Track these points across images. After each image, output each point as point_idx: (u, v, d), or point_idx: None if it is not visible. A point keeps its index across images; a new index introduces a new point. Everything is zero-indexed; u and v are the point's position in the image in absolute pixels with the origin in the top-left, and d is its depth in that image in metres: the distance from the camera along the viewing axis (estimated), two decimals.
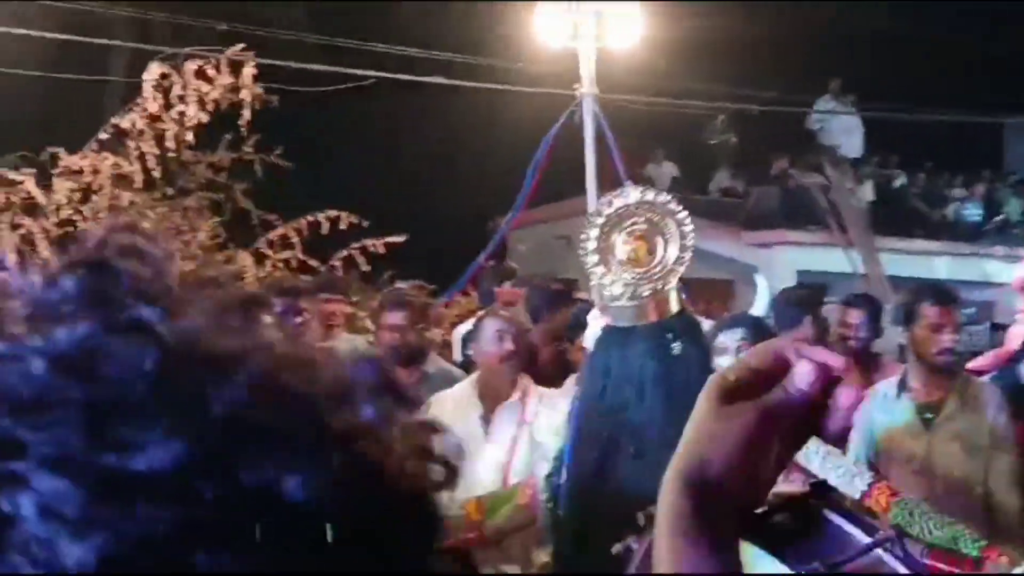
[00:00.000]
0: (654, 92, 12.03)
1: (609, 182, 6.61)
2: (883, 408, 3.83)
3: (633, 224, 2.37)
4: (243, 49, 7.95)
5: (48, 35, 8.88)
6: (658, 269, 2.35)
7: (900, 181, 15.73)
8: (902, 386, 3.81)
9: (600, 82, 7.55)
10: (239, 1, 11.06)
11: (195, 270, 6.95)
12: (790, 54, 15.10)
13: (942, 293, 3.83)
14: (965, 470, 3.59)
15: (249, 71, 7.88)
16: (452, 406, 4.04)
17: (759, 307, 4.49)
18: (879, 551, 0.92)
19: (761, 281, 4.65)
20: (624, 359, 2.43)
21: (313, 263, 8.39)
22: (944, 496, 3.42)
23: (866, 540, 0.93)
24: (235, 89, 7.87)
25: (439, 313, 8.15)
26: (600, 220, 2.39)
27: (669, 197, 2.43)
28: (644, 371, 2.41)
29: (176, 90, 7.76)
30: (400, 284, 7.34)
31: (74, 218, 7.61)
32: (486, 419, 4.04)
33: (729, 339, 3.73)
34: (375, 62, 9.69)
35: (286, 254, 8.51)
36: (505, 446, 4.00)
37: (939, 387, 3.75)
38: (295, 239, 8.50)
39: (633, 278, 2.35)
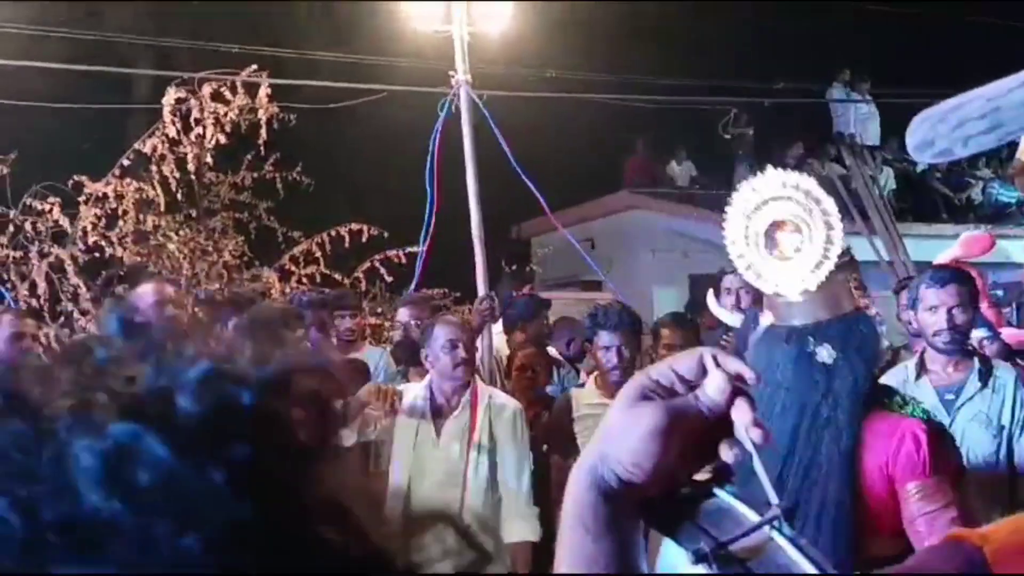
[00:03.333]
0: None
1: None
2: (904, 391, 3.83)
3: (776, 212, 2.12)
4: (257, 69, 8.05)
5: (68, 67, 9.02)
6: (806, 262, 2.10)
7: (921, 166, 15.61)
8: (920, 368, 3.82)
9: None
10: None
11: (221, 289, 7.06)
12: (802, 41, 15.05)
13: (937, 275, 3.84)
14: (988, 449, 3.60)
15: (264, 91, 7.98)
16: (408, 412, 4.18)
17: None
18: (766, 529, 0.94)
19: None
20: (770, 364, 2.17)
21: (337, 276, 8.48)
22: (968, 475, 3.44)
23: (755, 519, 0.95)
24: (252, 109, 7.99)
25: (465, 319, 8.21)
26: (746, 207, 2.14)
27: (812, 181, 2.19)
28: (783, 378, 2.16)
29: (194, 113, 7.88)
30: (425, 292, 7.41)
31: (101, 243, 7.74)
32: (437, 431, 4.17)
33: None
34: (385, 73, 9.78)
35: (310, 269, 8.60)
36: (455, 459, 4.13)
37: (957, 368, 3.78)
38: (318, 254, 8.60)
39: (783, 271, 2.12)
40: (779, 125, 14.96)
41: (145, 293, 4.74)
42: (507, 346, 5.85)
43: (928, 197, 15.12)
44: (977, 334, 4.13)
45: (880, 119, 15.45)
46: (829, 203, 2.11)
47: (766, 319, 2.29)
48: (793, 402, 2.13)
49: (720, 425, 0.89)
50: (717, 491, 1.01)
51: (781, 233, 2.09)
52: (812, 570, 0.95)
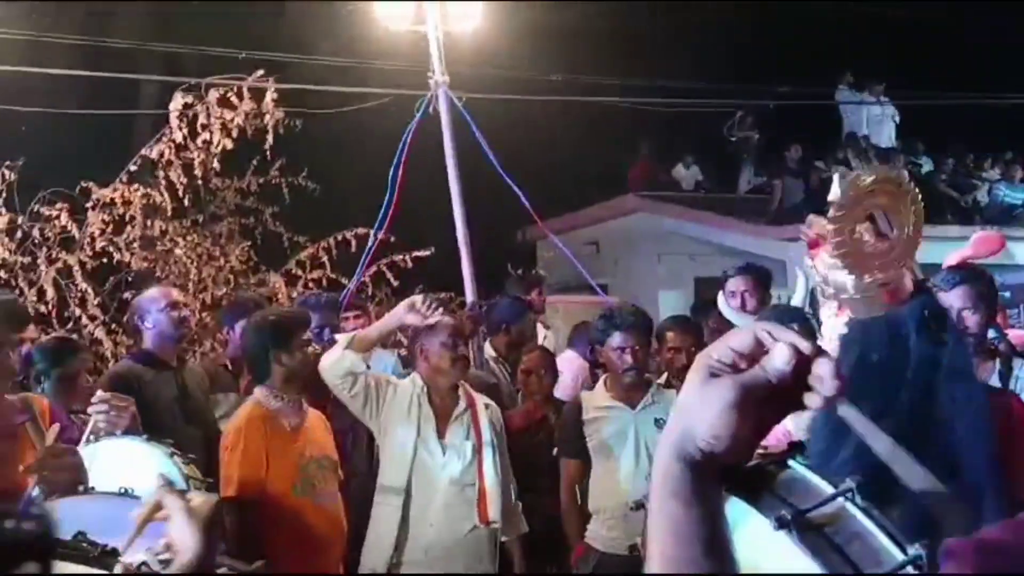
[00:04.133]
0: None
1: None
2: None
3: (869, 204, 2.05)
4: (263, 74, 8.08)
5: (75, 73, 9.06)
6: (890, 253, 2.07)
7: (927, 167, 15.59)
8: None
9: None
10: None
11: (228, 294, 7.08)
12: (811, 44, 15.05)
13: (945, 278, 3.90)
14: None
15: (270, 96, 8.00)
16: (406, 406, 4.21)
17: (798, 298, 4.51)
18: (840, 500, 1.04)
19: (800, 275, 4.68)
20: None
21: (344, 281, 8.49)
22: None
23: (830, 490, 1.04)
24: (258, 115, 8.01)
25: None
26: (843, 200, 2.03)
27: (904, 171, 2.07)
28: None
29: (200, 119, 7.90)
30: (433, 295, 7.42)
31: (108, 249, 7.76)
32: (440, 432, 4.20)
33: None
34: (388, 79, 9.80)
35: (317, 273, 8.62)
36: (468, 457, 4.19)
37: (978, 369, 3.81)
38: (325, 258, 8.61)
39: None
40: (785, 128, 14.96)
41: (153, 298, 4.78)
42: (490, 348, 5.89)
43: (934, 199, 15.09)
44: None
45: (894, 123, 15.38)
46: (910, 188, 2.13)
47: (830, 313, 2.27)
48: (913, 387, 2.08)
49: (788, 395, 0.96)
50: (791, 463, 1.10)
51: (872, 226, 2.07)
52: (884, 538, 1.06)
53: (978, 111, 14.09)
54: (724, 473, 0.97)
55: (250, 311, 5.18)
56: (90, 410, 3.20)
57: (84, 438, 3.10)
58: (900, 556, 1.05)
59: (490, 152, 6.28)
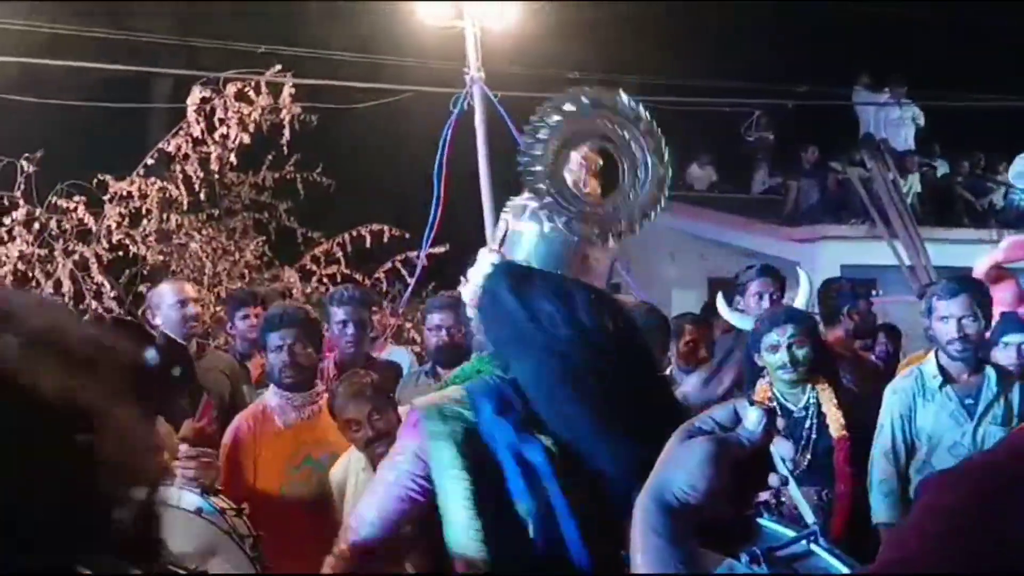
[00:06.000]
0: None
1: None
2: (924, 396, 3.92)
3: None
4: (281, 70, 8.10)
5: (94, 66, 9.11)
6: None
7: (943, 170, 15.52)
8: (943, 375, 3.89)
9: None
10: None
11: (242, 288, 7.10)
12: (829, 44, 15.01)
13: (947, 286, 3.97)
14: None
15: (287, 91, 8.04)
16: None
17: (801, 301, 4.49)
18: (804, 542, 1.24)
19: (803, 276, 4.65)
20: None
21: (358, 277, 8.51)
22: None
23: (792, 534, 1.26)
24: (275, 110, 8.04)
25: None
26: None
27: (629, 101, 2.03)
28: None
29: (218, 113, 7.94)
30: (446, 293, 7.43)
31: (125, 242, 7.81)
32: None
33: (781, 337, 3.75)
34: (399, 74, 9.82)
35: (331, 269, 8.65)
36: None
37: (973, 373, 3.90)
38: (339, 254, 8.65)
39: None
40: (802, 128, 14.92)
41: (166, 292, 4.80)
42: None
43: (950, 202, 15.02)
44: (1015, 339, 4.20)
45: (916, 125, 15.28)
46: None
47: None
48: None
49: (757, 461, 1.07)
50: (761, 520, 1.24)
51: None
52: (845, 570, 1.20)
53: (995, 114, 14.03)
54: (700, 528, 1.05)
55: (247, 303, 5.22)
56: (177, 464, 3.02)
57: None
58: None
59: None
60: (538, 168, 1.95)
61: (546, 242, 1.98)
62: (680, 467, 1.04)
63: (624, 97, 1.98)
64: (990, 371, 3.91)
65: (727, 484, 1.04)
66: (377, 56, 10.14)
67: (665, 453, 1.08)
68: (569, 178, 2.01)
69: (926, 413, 3.90)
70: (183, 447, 3.16)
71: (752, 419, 1.07)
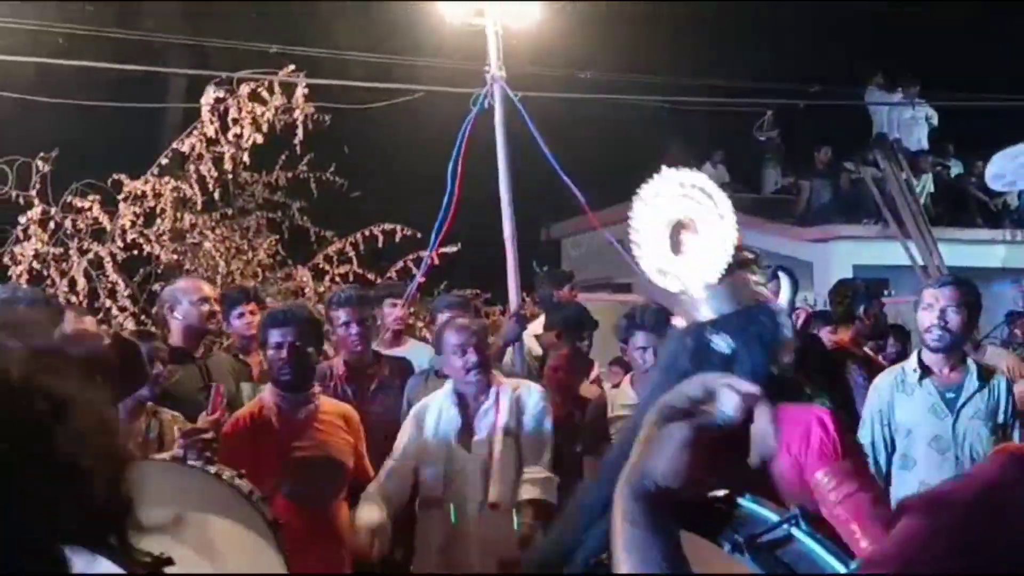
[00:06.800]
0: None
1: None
2: (903, 391, 3.95)
3: (678, 212, 2.07)
4: (294, 70, 8.13)
5: (108, 66, 9.15)
6: (705, 258, 2.09)
7: (956, 170, 15.46)
8: (922, 369, 3.94)
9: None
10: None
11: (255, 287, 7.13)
12: (843, 44, 14.96)
13: (940, 278, 4.09)
14: (988, 445, 3.70)
15: (301, 91, 8.06)
16: (435, 417, 4.12)
17: (783, 300, 4.49)
18: (786, 526, 1.20)
19: (784, 277, 4.65)
20: (672, 357, 2.18)
21: (371, 276, 8.53)
22: None
23: (775, 518, 1.21)
24: (288, 110, 8.06)
25: (496, 320, 8.25)
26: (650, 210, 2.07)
27: (705, 177, 2.10)
28: (683, 368, 2.08)
29: (232, 113, 7.97)
30: (456, 292, 7.45)
31: (139, 241, 7.84)
32: (467, 431, 4.09)
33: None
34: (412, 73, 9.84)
35: (344, 268, 8.67)
36: (485, 454, 4.06)
37: (955, 369, 3.93)
38: (352, 254, 8.66)
39: (686, 269, 2.10)
40: (815, 128, 14.87)
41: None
42: (536, 344, 5.84)
43: (963, 202, 14.97)
44: None
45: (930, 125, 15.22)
46: (721, 198, 2.04)
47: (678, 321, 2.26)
48: None
49: (735, 439, 1.07)
50: (740, 500, 1.23)
51: (685, 233, 2.07)
52: (830, 558, 1.18)
53: (1009, 113, 13.95)
54: (678, 509, 1.05)
55: (240, 301, 5.25)
56: (175, 450, 3.15)
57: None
58: (843, 569, 1.18)
59: (545, 148, 6.23)
60: None
61: None
62: (659, 451, 1.05)
63: None
64: (972, 366, 3.94)
65: (705, 467, 1.05)
66: (389, 56, 10.16)
67: (643, 435, 1.08)
68: None
69: (905, 406, 3.95)
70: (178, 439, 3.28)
71: (731, 403, 1.06)
